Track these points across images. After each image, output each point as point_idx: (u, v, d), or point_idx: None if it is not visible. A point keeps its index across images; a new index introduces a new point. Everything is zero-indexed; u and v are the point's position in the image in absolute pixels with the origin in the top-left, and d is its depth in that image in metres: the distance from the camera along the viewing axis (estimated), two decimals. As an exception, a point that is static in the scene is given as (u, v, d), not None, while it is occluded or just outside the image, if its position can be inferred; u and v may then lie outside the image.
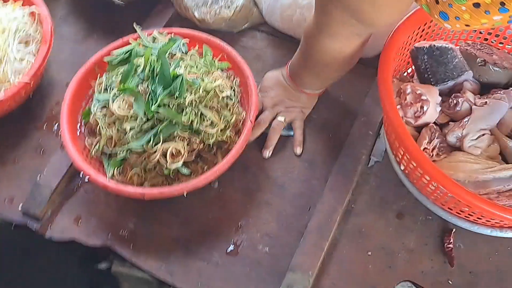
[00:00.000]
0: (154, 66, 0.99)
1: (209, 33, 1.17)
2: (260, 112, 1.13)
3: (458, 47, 1.06)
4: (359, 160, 1.09)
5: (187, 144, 1.02)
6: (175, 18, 1.33)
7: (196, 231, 1.06)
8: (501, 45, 1.11)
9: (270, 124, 1.14)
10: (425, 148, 0.93)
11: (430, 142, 0.93)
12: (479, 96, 1.00)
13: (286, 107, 1.13)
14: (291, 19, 1.21)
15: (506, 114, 0.98)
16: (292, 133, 1.15)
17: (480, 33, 1.10)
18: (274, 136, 1.13)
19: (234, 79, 1.14)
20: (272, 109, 1.13)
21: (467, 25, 0.67)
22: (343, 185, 1.06)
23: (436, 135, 0.94)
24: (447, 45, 1.02)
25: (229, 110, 1.07)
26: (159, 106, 0.98)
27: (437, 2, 0.68)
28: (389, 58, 0.93)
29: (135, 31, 1.13)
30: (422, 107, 0.96)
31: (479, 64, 1.02)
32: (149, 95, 0.99)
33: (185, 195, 1.01)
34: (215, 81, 1.04)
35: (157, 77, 0.99)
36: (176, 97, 0.99)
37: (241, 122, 1.08)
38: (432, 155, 0.93)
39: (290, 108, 1.13)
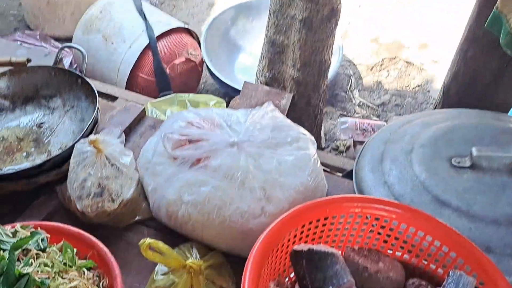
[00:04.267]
0: (-1, 264, 0.88)
1: (92, 227, 1.09)
2: None
3: (341, 252, 0.99)
4: None
5: None
6: (57, 211, 1.25)
7: None
8: (390, 252, 1.05)
9: None
10: None
11: None
12: (360, 308, 0.91)
13: None
14: (177, 216, 1.15)
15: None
16: None
17: (369, 237, 1.04)
18: None
19: (102, 279, 1.02)
20: None
21: None
22: None
23: None
24: (327, 250, 0.95)
25: (89, 316, 0.94)
26: (-3, 312, 0.85)
27: None
28: (254, 263, 0.85)
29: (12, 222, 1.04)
30: (293, 319, 0.85)
31: (361, 272, 0.95)
32: (-15, 298, 0.86)
33: None
34: (70, 282, 0.93)
35: (1, 277, 0.87)
36: (18, 300, 0.86)
37: (103, 331, 0.94)
38: None
39: None
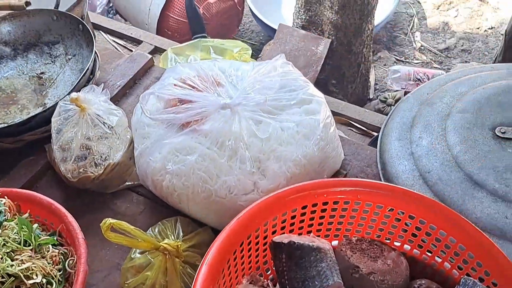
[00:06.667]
0: None
1: (78, 192, 1.00)
2: None
3: (337, 242, 0.83)
4: None
5: None
6: (45, 172, 1.16)
7: None
8: (398, 244, 0.88)
9: None
10: None
11: None
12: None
13: None
14: (162, 186, 1.02)
15: None
16: None
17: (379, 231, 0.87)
18: None
19: (69, 257, 0.93)
20: None
21: None
22: None
23: None
24: (311, 244, 0.80)
25: (45, 300, 0.85)
26: None
27: None
28: (211, 262, 0.71)
29: None
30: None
31: (351, 272, 0.79)
32: None
33: None
34: (21, 264, 0.83)
35: None
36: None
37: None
38: None
39: None
